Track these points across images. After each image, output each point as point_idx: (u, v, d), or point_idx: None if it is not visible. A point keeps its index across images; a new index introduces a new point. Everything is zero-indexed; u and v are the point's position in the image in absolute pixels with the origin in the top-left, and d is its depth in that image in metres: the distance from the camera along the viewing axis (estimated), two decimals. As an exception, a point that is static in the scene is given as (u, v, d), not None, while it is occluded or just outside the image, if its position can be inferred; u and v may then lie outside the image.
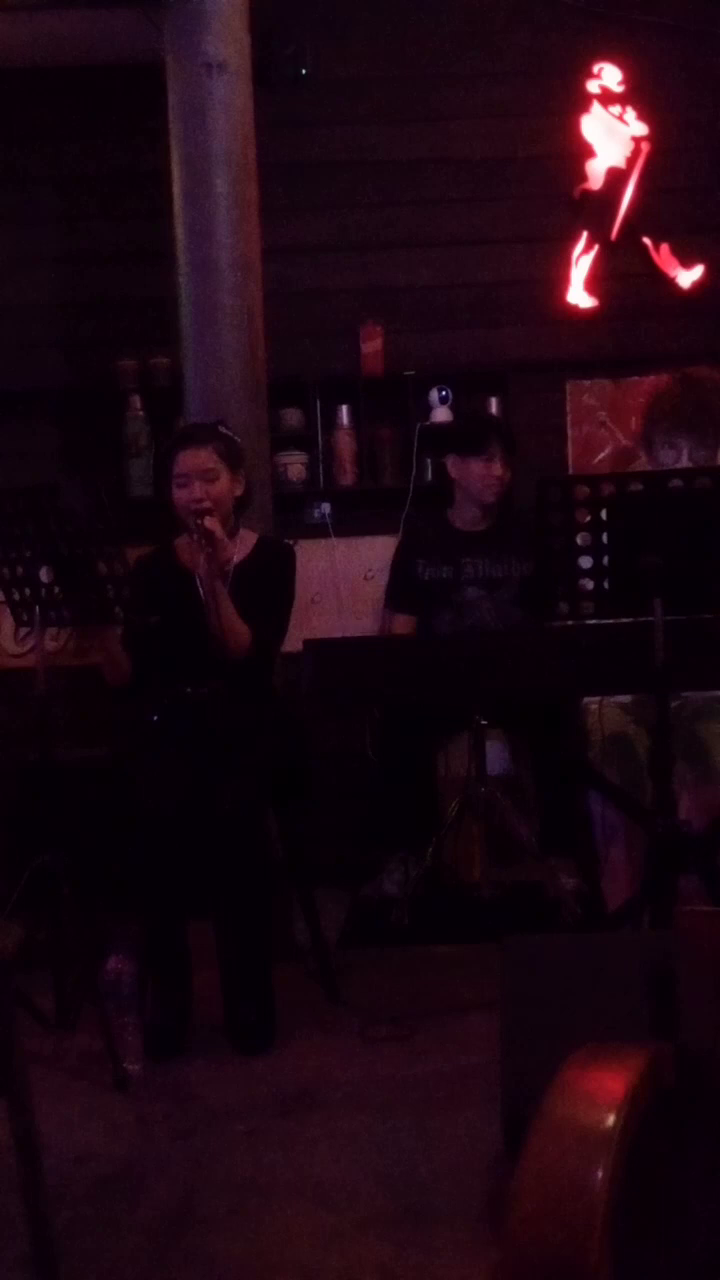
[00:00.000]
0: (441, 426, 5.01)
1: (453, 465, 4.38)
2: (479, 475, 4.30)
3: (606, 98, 5.04)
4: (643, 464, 3.72)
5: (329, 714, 4.06)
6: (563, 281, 5.08)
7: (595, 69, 5.03)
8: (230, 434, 3.66)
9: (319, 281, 5.08)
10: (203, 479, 3.54)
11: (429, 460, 5.04)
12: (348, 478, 5.12)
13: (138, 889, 3.33)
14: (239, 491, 3.61)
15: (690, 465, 3.46)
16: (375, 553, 4.99)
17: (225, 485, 3.57)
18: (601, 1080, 1.26)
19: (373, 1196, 2.54)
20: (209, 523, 3.47)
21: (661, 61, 5.04)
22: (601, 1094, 1.23)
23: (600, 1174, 1.13)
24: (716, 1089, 1.49)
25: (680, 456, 3.49)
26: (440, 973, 3.72)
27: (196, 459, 3.55)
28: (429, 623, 4.36)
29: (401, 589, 4.47)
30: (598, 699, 3.51)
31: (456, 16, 5.12)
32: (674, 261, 5.06)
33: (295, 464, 5.08)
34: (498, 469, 4.28)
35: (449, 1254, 2.32)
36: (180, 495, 3.56)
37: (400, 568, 4.51)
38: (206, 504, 3.51)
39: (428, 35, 5.12)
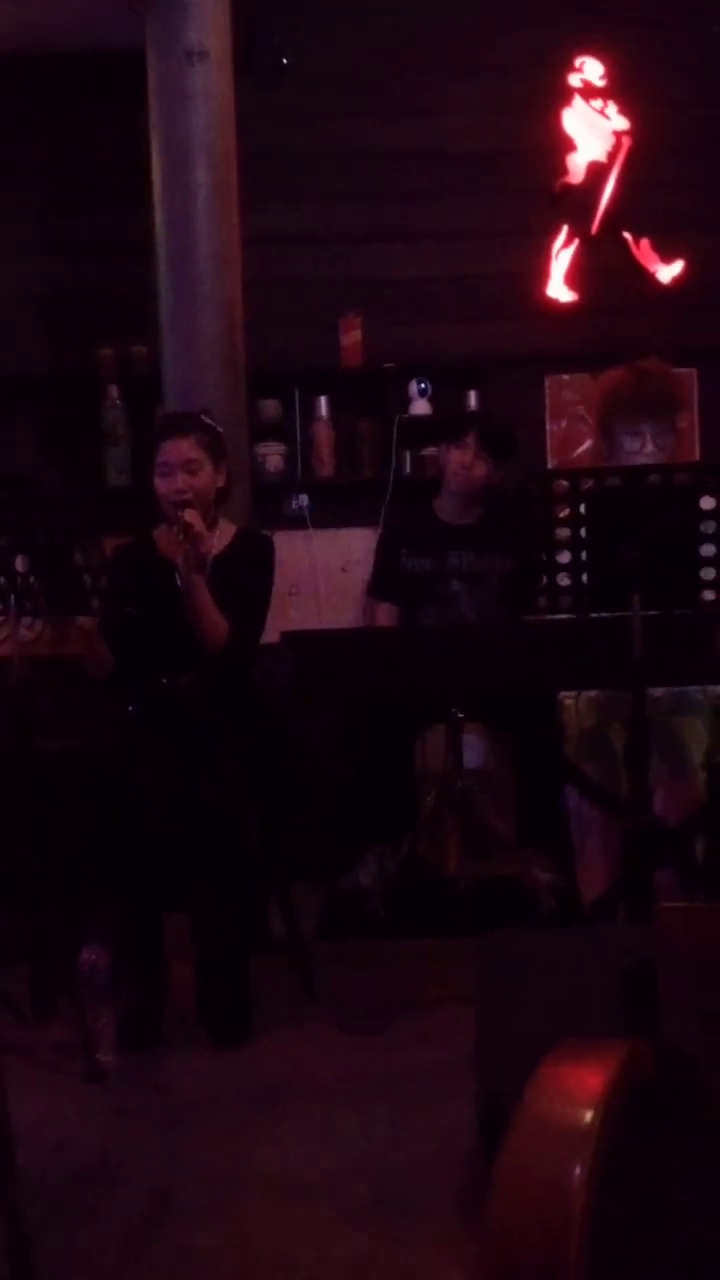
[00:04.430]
0: (421, 419, 5.01)
1: (439, 452, 4.43)
2: (454, 462, 4.29)
3: (588, 91, 5.04)
4: (599, 453, 3.74)
5: (306, 706, 4.05)
6: (543, 275, 5.08)
7: (577, 63, 5.04)
8: (214, 425, 3.64)
9: (299, 272, 5.07)
10: (186, 470, 3.51)
11: (408, 453, 5.03)
12: (326, 469, 5.11)
13: (116, 880, 3.32)
14: (221, 483, 3.60)
15: (654, 450, 3.48)
16: (353, 545, 4.98)
17: (208, 477, 3.55)
18: (580, 1077, 1.26)
19: (349, 1189, 2.54)
20: (189, 515, 3.45)
21: (643, 56, 5.04)
22: (580, 1091, 1.23)
23: (579, 1171, 1.13)
24: (694, 1084, 1.50)
25: (645, 443, 3.50)
26: (416, 966, 3.71)
27: (180, 449, 3.53)
28: (412, 615, 4.35)
29: (384, 578, 4.46)
30: (574, 693, 3.52)
31: (439, 9, 5.11)
32: (654, 256, 5.07)
33: (273, 455, 5.07)
34: (469, 458, 4.26)
35: (424, 1246, 2.33)
36: (162, 485, 3.54)
37: (384, 556, 4.49)
38: (188, 495, 3.49)
39: (410, 28, 5.11)
